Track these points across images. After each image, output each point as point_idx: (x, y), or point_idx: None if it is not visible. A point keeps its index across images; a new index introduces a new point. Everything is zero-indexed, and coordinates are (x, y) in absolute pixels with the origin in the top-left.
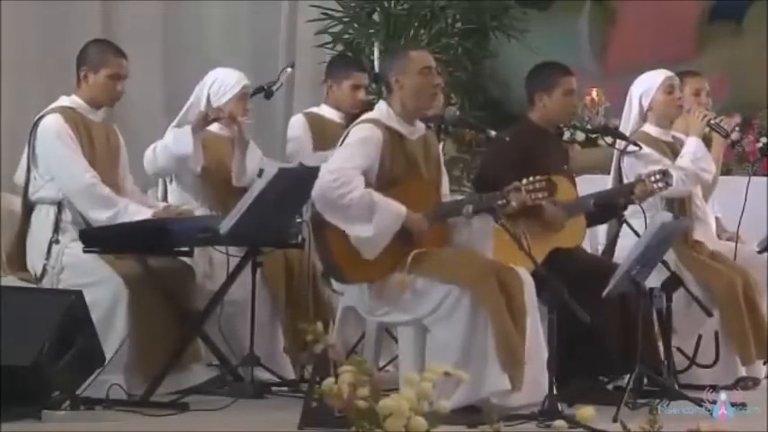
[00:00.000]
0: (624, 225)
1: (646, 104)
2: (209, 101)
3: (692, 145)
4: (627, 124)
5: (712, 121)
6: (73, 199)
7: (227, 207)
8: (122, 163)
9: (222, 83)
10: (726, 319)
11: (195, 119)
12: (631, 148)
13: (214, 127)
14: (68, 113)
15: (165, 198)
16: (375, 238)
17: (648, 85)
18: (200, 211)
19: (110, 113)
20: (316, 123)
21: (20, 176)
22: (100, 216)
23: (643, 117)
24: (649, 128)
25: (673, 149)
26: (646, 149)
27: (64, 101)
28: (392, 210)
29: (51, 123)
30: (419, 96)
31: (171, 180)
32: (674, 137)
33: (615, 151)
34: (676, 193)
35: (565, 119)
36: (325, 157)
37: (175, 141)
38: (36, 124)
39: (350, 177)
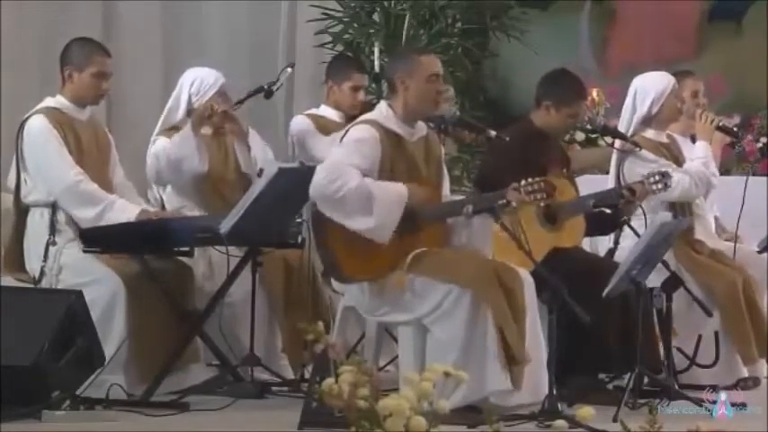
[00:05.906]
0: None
1: (655, 110)
2: (189, 101)
3: (702, 150)
4: (624, 125)
5: (721, 124)
6: (59, 199)
7: (227, 208)
8: (112, 160)
9: (202, 82)
10: (727, 319)
11: (193, 119)
12: (628, 146)
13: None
14: (53, 114)
15: (162, 201)
16: (380, 226)
17: (660, 90)
18: (195, 213)
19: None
20: (316, 124)
21: (11, 179)
22: (85, 214)
23: (647, 122)
24: (648, 131)
25: (669, 150)
26: (651, 155)
27: (49, 101)
28: (392, 193)
29: (35, 125)
30: (423, 101)
31: (165, 188)
32: (668, 136)
33: (614, 154)
34: (687, 198)
35: (561, 135)
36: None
37: (178, 147)
38: (21, 127)
39: (343, 171)
